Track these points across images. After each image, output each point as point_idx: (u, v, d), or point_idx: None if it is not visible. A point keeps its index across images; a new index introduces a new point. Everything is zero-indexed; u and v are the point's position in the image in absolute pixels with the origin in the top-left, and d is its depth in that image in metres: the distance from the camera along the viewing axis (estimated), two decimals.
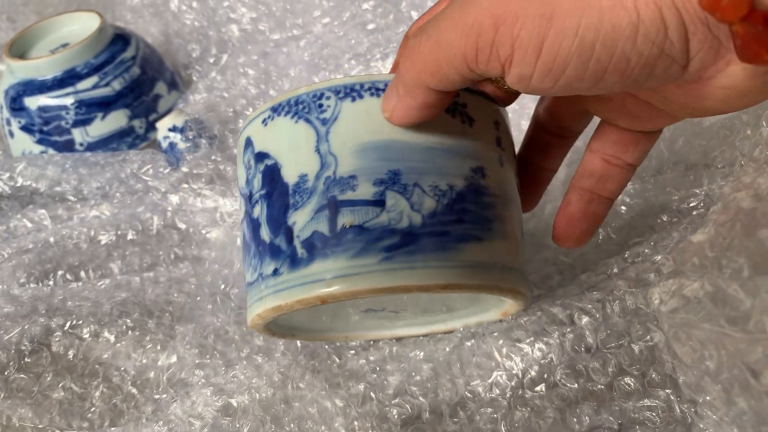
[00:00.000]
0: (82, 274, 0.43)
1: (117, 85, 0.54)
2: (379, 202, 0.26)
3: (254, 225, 0.28)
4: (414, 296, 0.32)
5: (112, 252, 0.43)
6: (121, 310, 0.42)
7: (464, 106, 0.27)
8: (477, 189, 0.27)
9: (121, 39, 0.56)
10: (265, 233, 0.27)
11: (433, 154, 0.26)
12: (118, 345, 0.40)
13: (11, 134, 0.55)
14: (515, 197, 0.29)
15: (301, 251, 0.26)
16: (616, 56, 0.20)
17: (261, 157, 0.28)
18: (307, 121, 0.27)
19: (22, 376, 0.39)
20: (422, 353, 0.35)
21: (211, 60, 0.55)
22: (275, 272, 0.27)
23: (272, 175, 0.27)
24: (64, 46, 0.56)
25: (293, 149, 0.27)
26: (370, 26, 0.51)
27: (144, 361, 0.40)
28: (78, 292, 0.42)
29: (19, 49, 0.55)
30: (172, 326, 0.41)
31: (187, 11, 0.58)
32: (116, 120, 0.54)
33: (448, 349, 0.34)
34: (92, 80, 0.53)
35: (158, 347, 0.40)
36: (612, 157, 0.29)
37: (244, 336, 0.40)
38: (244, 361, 0.38)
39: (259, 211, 0.28)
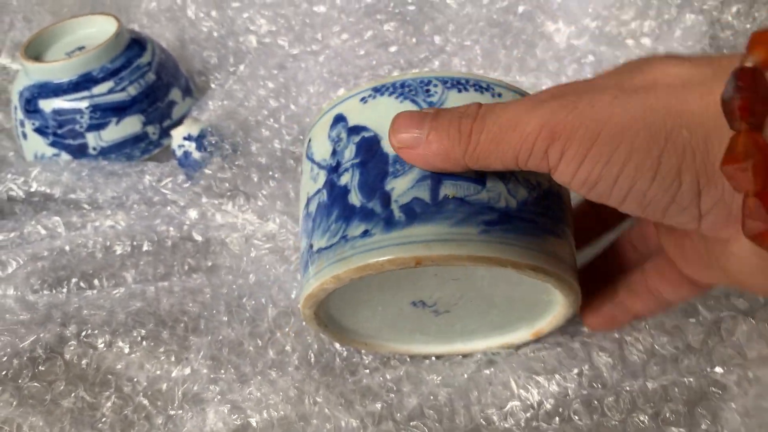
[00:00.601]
0: (96, 281, 0.43)
1: (132, 91, 0.54)
2: (480, 181, 0.27)
3: (339, 191, 0.28)
4: (473, 292, 0.32)
5: (126, 261, 0.44)
6: (135, 319, 0.42)
7: None
8: (555, 193, 0.29)
9: (137, 44, 0.56)
10: (356, 198, 0.28)
11: None
12: (132, 355, 0.41)
13: (24, 135, 0.55)
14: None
15: (398, 215, 0.27)
16: (634, 190, 0.23)
17: (357, 130, 0.29)
18: (413, 101, 0.29)
19: (34, 384, 0.39)
20: (440, 378, 0.35)
21: (231, 69, 0.55)
22: (366, 233, 0.27)
23: (369, 146, 0.29)
24: (81, 49, 0.56)
25: None
26: (392, 48, 0.51)
27: (157, 372, 0.40)
28: (93, 300, 0.42)
29: (34, 51, 0.55)
30: (186, 337, 0.41)
31: (204, 19, 0.58)
32: (130, 125, 0.54)
33: (465, 376, 0.35)
34: (108, 85, 0.53)
35: (172, 358, 0.40)
36: (654, 289, 0.31)
37: (258, 349, 0.40)
38: (259, 376, 0.38)
39: (349, 178, 0.28)
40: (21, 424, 0.38)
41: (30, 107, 0.53)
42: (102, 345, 0.40)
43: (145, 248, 0.44)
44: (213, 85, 0.55)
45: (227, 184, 0.47)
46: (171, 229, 0.45)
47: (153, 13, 0.60)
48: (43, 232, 0.45)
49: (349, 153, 0.29)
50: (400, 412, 0.35)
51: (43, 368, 0.40)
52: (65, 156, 0.54)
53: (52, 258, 0.42)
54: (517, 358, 0.34)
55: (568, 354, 0.32)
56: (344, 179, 0.28)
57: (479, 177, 0.27)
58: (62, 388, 0.39)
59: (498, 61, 0.51)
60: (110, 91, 0.53)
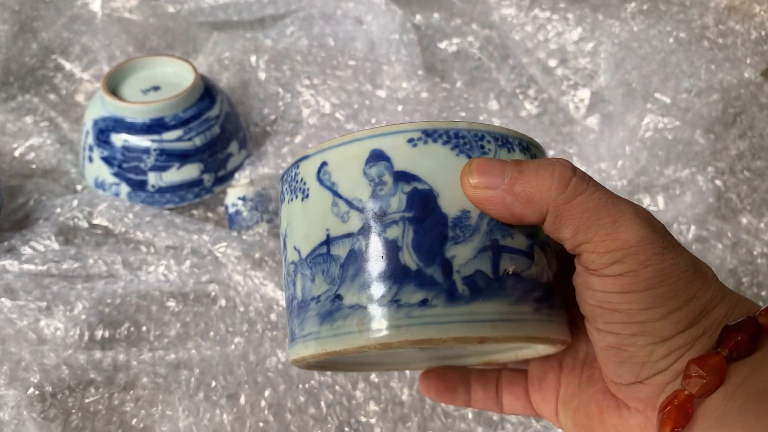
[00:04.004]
0: (144, 329, 0.48)
1: (198, 141, 0.58)
2: (530, 255, 0.28)
3: (387, 246, 0.27)
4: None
5: (173, 316, 0.49)
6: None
7: None
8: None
9: (208, 96, 0.60)
10: (410, 259, 0.26)
11: None
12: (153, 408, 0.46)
13: (90, 159, 0.59)
14: None
15: (461, 287, 0.26)
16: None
17: (407, 177, 0.27)
18: (468, 156, 0.27)
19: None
20: None
21: (287, 138, 0.60)
22: (424, 303, 0.26)
23: (425, 201, 0.27)
24: (156, 89, 0.60)
25: (454, 182, 0.27)
26: None
27: None
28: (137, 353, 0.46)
29: (113, 81, 0.60)
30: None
31: (272, 82, 0.63)
32: (189, 171, 0.59)
33: None
34: (177, 133, 0.58)
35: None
36: (498, 392, 0.35)
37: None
38: None
39: (399, 233, 0.27)
40: None
41: (102, 137, 0.58)
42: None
43: (191, 303, 0.50)
44: (269, 147, 0.60)
45: (260, 254, 0.52)
46: (217, 288, 0.50)
47: (226, 65, 0.64)
48: (103, 268, 0.50)
49: (397, 203, 0.27)
50: None
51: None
52: (125, 187, 0.59)
53: (113, 305, 0.47)
54: None
55: None
56: (393, 233, 0.27)
57: (529, 250, 0.27)
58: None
59: None
60: (178, 139, 0.58)
